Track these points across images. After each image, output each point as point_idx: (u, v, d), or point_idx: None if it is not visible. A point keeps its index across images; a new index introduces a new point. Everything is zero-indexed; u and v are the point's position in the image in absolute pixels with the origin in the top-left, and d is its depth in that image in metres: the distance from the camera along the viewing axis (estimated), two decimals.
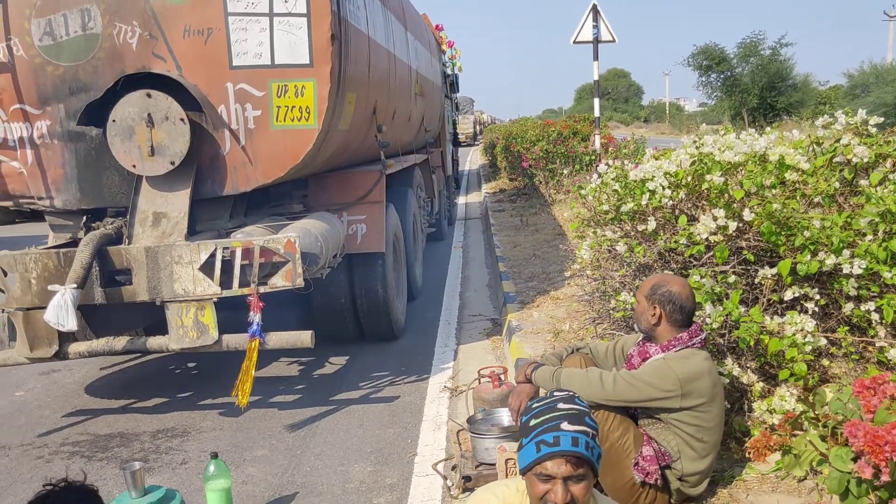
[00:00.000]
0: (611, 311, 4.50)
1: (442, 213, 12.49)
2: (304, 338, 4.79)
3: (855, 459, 1.49)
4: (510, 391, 3.99)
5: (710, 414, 3.08)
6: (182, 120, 4.82)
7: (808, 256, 3.49)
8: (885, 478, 1.42)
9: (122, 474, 4.13)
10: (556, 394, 2.00)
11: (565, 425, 1.89)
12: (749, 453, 1.79)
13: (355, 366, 6.31)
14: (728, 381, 3.53)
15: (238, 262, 4.65)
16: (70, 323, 4.40)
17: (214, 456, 3.72)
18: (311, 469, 4.42)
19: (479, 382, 4.70)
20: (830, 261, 3.44)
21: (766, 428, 2.06)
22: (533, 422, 1.94)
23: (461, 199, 19.12)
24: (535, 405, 2.01)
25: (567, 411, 1.94)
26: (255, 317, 4.66)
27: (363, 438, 4.81)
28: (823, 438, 1.72)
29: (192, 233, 5.09)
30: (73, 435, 5.13)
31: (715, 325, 3.58)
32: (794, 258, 3.55)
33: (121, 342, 4.90)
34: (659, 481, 3.08)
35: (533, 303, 6.95)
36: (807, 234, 3.55)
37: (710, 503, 3.22)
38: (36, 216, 13.24)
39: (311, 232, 5.07)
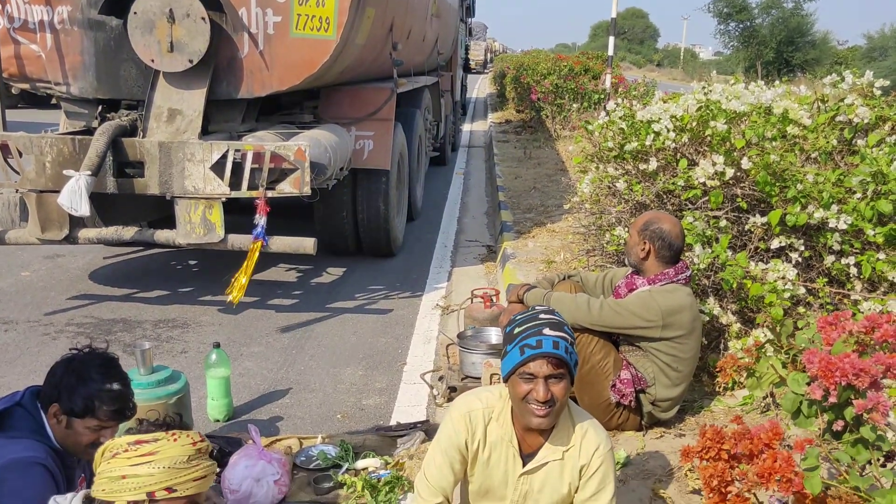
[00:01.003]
0: (604, 245, 4.67)
1: (447, 139, 12.53)
2: (307, 244, 4.95)
3: (809, 384, 1.67)
4: (500, 312, 4.19)
5: (687, 346, 3.28)
6: (203, 19, 4.86)
7: (798, 208, 3.64)
8: (832, 399, 1.61)
9: (130, 352, 4.37)
10: (537, 307, 2.18)
11: (547, 331, 2.07)
12: (716, 372, 1.98)
13: (352, 278, 6.51)
14: (708, 319, 3.73)
15: (248, 164, 4.77)
16: (83, 208, 4.55)
17: (217, 346, 3.93)
18: (305, 368, 4.65)
19: (472, 302, 4.89)
20: (819, 214, 3.60)
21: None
22: (517, 329, 2.12)
23: (466, 127, 19.08)
24: (518, 317, 2.18)
25: (548, 320, 2.12)
26: (261, 220, 4.81)
27: (356, 345, 5.03)
28: (784, 365, 1.91)
29: (205, 133, 5.19)
30: (78, 317, 5.35)
31: (702, 266, 3.75)
32: (785, 209, 3.70)
33: (129, 232, 5.06)
34: (633, 403, 3.31)
35: (529, 233, 7.11)
36: (800, 187, 3.69)
37: (678, 428, 3.46)
38: (39, 102, 13.15)
39: (321, 142, 5.18)
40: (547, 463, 2.16)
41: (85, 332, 5.06)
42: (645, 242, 3.33)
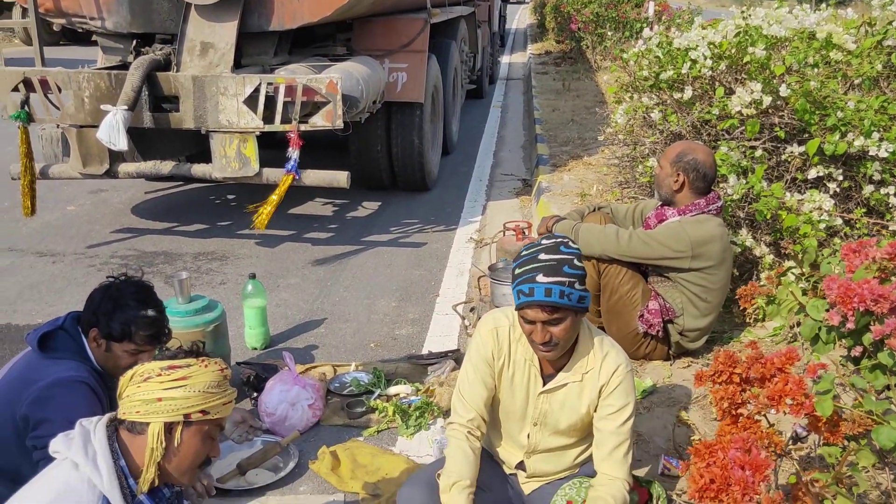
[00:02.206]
0: (637, 176, 4.62)
1: (484, 71, 12.34)
2: (340, 178, 4.99)
3: (828, 310, 1.66)
4: None
5: (717, 277, 3.26)
6: None
7: (838, 137, 3.54)
8: (850, 325, 1.60)
9: (170, 283, 4.50)
10: (542, 242, 2.12)
11: (540, 277, 2.04)
12: (736, 299, 1.98)
13: (386, 212, 6.55)
14: (741, 251, 3.70)
15: (281, 98, 4.78)
16: (121, 142, 4.63)
17: (252, 276, 4.02)
18: (340, 299, 4.74)
19: (504, 235, 4.90)
20: (859, 142, 3.50)
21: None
22: (517, 271, 2.11)
23: (505, 59, 18.74)
24: (524, 252, 2.15)
25: (545, 263, 2.06)
26: (294, 153, 4.84)
27: (389, 277, 5.10)
28: (805, 293, 1.90)
29: (238, 66, 5.20)
30: (122, 249, 5.50)
31: (736, 197, 3.70)
32: (824, 138, 3.61)
33: (167, 166, 5.15)
34: (660, 333, 3.32)
35: (565, 166, 7.05)
36: (840, 114, 3.59)
37: (705, 358, 3.48)
38: (80, 39, 13.24)
39: (353, 75, 5.16)
40: (566, 384, 2.20)
41: (128, 264, 5.21)
42: (678, 174, 3.28)
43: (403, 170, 6.79)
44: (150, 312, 2.40)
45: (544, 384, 2.23)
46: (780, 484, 2.12)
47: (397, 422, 3.35)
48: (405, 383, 3.64)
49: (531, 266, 2.08)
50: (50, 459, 1.91)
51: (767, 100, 3.66)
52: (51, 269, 5.12)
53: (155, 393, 1.85)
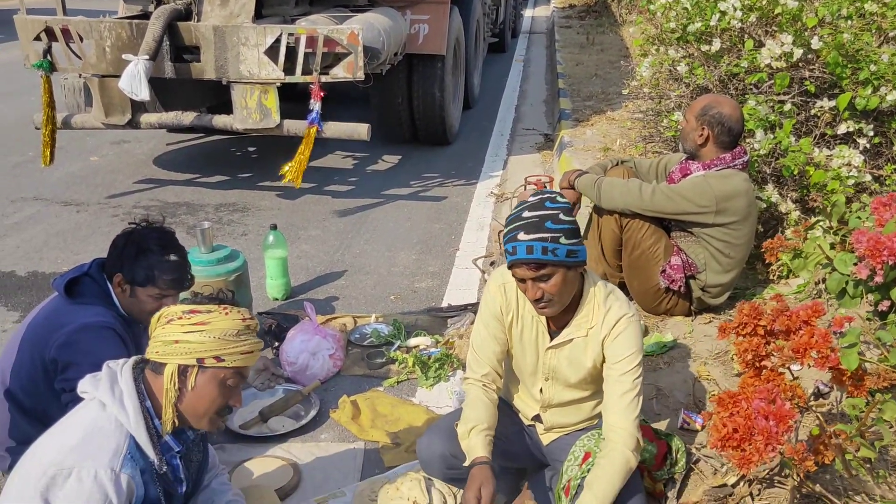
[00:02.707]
0: (662, 131, 4.55)
1: (506, 24, 12.15)
2: (361, 130, 4.96)
3: (856, 264, 1.64)
4: None
5: (741, 232, 3.22)
6: None
7: (870, 91, 3.46)
8: (878, 279, 1.58)
9: (192, 234, 4.52)
10: (529, 199, 2.08)
11: (521, 235, 2.01)
12: (762, 252, 1.96)
13: (406, 165, 6.53)
14: (766, 207, 3.65)
15: (302, 48, 4.73)
16: (143, 92, 4.62)
17: (274, 227, 4.04)
18: (360, 252, 4.75)
19: (525, 189, 4.87)
20: (892, 97, 3.42)
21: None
22: (505, 230, 2.09)
23: (528, 12, 18.42)
24: (511, 214, 2.11)
25: (527, 220, 2.03)
26: (315, 105, 4.81)
27: (410, 230, 5.10)
28: (833, 247, 1.87)
29: (259, 16, 5.15)
30: (144, 199, 5.53)
31: (763, 152, 3.63)
32: (856, 92, 3.52)
33: (188, 117, 5.14)
34: (682, 289, 3.30)
35: (588, 121, 6.96)
36: (873, 68, 3.49)
37: (727, 314, 3.45)
38: None
39: (375, 26, 5.09)
40: (572, 340, 2.20)
41: (151, 214, 5.25)
42: (703, 128, 3.22)
43: (424, 123, 6.74)
44: (173, 257, 2.42)
45: (551, 339, 2.22)
46: (801, 438, 2.13)
47: (417, 373, 3.37)
48: (425, 335, 3.66)
49: (514, 224, 2.05)
50: (77, 401, 1.95)
51: (798, 52, 3.57)
52: (75, 218, 5.17)
53: (174, 335, 1.87)
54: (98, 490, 1.74)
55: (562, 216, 2.05)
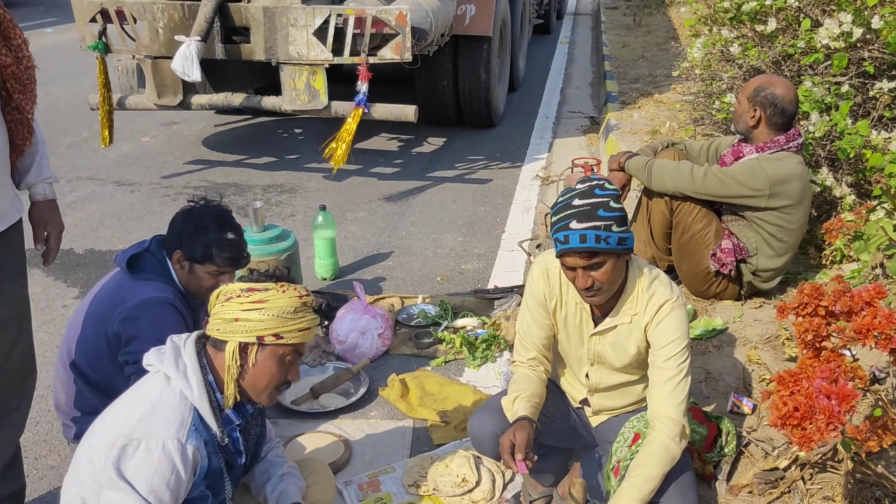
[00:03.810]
0: (713, 113, 4.48)
1: (552, 6, 12.05)
2: (408, 112, 4.98)
3: None
4: None
5: (794, 217, 3.18)
6: None
7: None
8: None
9: (243, 214, 4.60)
10: (577, 186, 2.07)
11: (573, 224, 2.00)
12: (821, 233, 1.93)
13: (452, 148, 6.54)
14: (820, 191, 3.58)
15: (350, 29, 4.76)
16: (194, 73, 4.70)
17: (323, 208, 4.09)
18: (407, 234, 4.79)
19: (572, 171, 4.84)
20: None
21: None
22: (553, 219, 2.07)
23: None
24: (559, 199, 2.10)
25: (579, 209, 2.01)
26: (363, 86, 4.84)
27: (456, 213, 5.12)
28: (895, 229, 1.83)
29: None
30: (194, 180, 5.64)
31: (818, 135, 3.57)
32: None
33: (238, 98, 5.22)
34: (732, 272, 3.27)
35: (635, 104, 6.89)
36: None
37: (778, 299, 3.41)
38: None
39: (422, 6, 5.09)
40: (616, 326, 2.19)
41: (209, 193, 5.34)
42: (755, 109, 3.17)
43: (469, 105, 6.73)
44: (230, 235, 2.47)
45: (595, 326, 2.22)
46: (857, 422, 2.11)
47: (464, 353, 3.40)
48: (472, 316, 3.68)
49: (565, 213, 2.04)
50: (140, 374, 2.01)
51: (858, 32, 3.49)
52: (129, 198, 5.29)
53: (233, 313, 1.91)
54: (166, 460, 1.80)
55: (612, 203, 2.04)
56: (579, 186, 2.10)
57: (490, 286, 4.06)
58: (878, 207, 2.57)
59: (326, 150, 4.97)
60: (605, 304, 2.20)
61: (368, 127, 6.47)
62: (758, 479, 2.31)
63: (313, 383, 3.15)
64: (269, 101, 5.15)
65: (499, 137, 6.83)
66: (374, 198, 5.37)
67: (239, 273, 2.47)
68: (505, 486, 2.63)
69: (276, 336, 1.92)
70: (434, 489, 2.59)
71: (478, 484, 2.59)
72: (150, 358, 1.98)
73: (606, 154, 5.79)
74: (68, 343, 2.58)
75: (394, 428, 2.96)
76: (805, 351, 1.55)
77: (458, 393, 3.11)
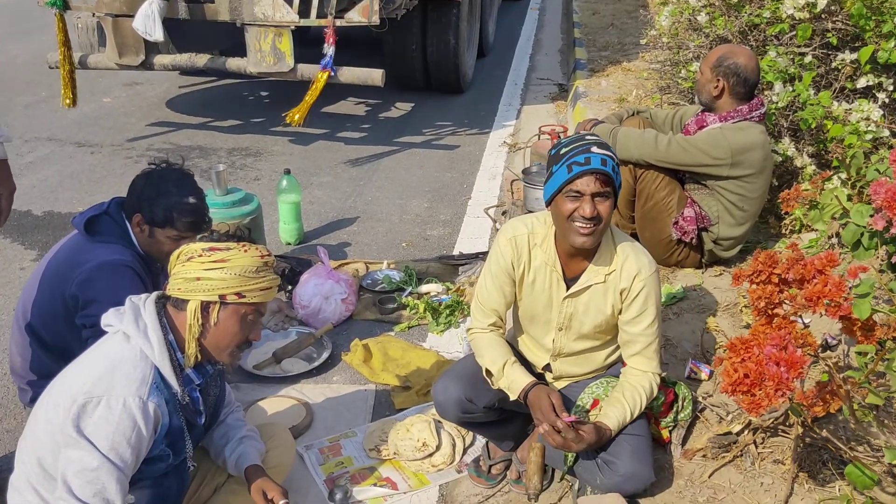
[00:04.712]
0: (679, 82, 4.50)
1: None
2: (375, 76, 4.92)
3: (872, 215, 1.64)
4: None
5: (755, 186, 3.21)
6: None
7: (893, 44, 3.40)
8: (894, 231, 1.59)
9: (207, 177, 4.54)
10: (581, 132, 2.15)
11: (595, 149, 2.07)
12: (779, 202, 1.96)
13: (419, 113, 6.49)
14: (782, 160, 3.62)
15: None
16: (157, 33, 4.59)
17: (287, 172, 4.05)
18: (373, 199, 4.76)
19: (539, 138, 4.84)
20: None
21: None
22: (564, 150, 2.11)
23: None
24: (563, 139, 2.17)
25: (595, 140, 2.12)
26: (329, 49, 4.77)
27: (422, 178, 5.10)
28: (850, 199, 1.87)
29: None
30: (157, 143, 5.54)
31: (780, 105, 3.59)
32: (878, 45, 3.46)
33: (202, 59, 5.11)
34: (694, 241, 3.31)
35: (603, 72, 6.88)
36: None
37: (738, 267, 3.46)
38: None
39: None
40: (590, 286, 2.22)
41: (171, 156, 5.24)
42: (718, 79, 3.18)
43: (438, 70, 6.67)
44: (191, 200, 2.44)
45: (568, 288, 2.24)
46: (809, 388, 2.16)
47: (428, 319, 3.41)
48: (436, 282, 3.69)
49: (581, 142, 2.10)
50: (98, 337, 1.99)
51: (822, 3, 3.50)
52: (90, 160, 5.18)
53: (195, 272, 1.90)
54: (127, 417, 1.79)
55: (613, 149, 2.14)
56: (583, 132, 2.15)
57: (455, 252, 4.06)
58: (835, 177, 2.61)
59: (289, 114, 4.90)
60: (576, 264, 2.22)
61: (336, 91, 6.38)
62: (711, 444, 2.37)
63: (276, 348, 3.15)
64: (233, 63, 5.05)
65: (467, 103, 6.79)
66: (340, 162, 5.32)
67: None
68: (465, 451, 2.66)
69: (238, 295, 1.92)
70: (395, 453, 2.61)
71: (438, 448, 2.61)
72: (108, 318, 1.96)
73: (574, 122, 5.79)
74: (24, 305, 2.54)
75: (355, 392, 2.97)
76: (758, 318, 1.58)
77: (421, 358, 3.13)
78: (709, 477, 2.28)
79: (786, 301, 1.51)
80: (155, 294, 2.02)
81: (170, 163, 2.54)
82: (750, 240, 3.56)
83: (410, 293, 3.62)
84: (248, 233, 2.10)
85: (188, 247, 1.97)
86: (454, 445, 2.65)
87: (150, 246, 2.47)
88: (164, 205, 2.40)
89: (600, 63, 7.18)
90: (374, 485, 2.51)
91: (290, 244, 4.11)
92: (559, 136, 4.58)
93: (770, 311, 1.53)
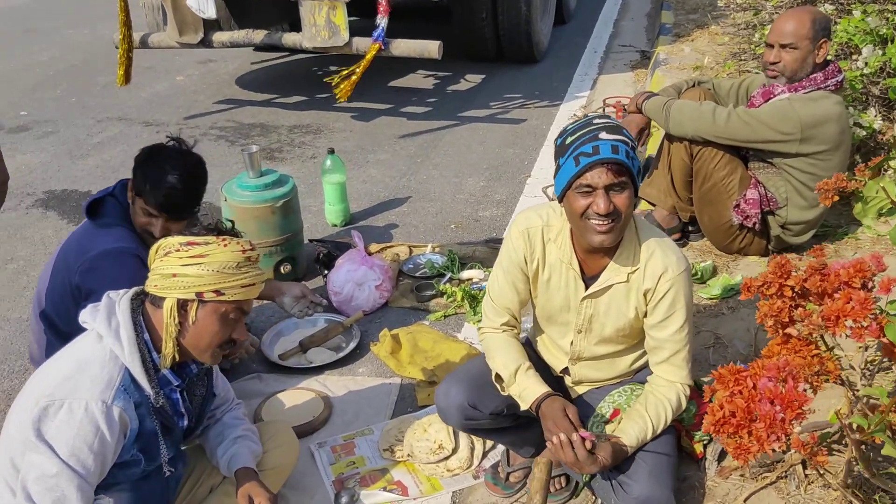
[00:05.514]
0: (753, 47, 4.08)
1: None
2: (431, 48, 4.72)
3: None
4: None
5: (830, 163, 2.84)
6: None
7: None
8: None
9: (267, 154, 4.49)
10: (590, 114, 1.89)
11: (603, 135, 1.79)
12: (817, 192, 1.67)
13: (489, 86, 6.24)
14: (866, 133, 3.21)
15: None
16: (209, 10, 4.55)
17: (331, 152, 3.92)
18: (427, 177, 4.58)
19: (604, 111, 4.54)
20: None
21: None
22: (569, 139, 1.85)
23: None
24: (570, 126, 1.91)
25: (604, 124, 1.83)
26: (382, 21, 4.60)
27: (482, 155, 4.87)
28: None
29: None
30: (221, 120, 5.54)
31: (868, 71, 3.18)
32: None
33: (259, 35, 5.04)
34: (757, 226, 2.97)
35: (688, 36, 6.40)
36: None
37: (811, 256, 3.09)
38: None
39: None
40: (611, 286, 1.97)
41: (225, 136, 5.25)
42: (822, 44, 2.79)
43: (509, 39, 6.39)
44: (170, 178, 2.32)
45: (587, 287, 2.00)
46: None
47: (465, 307, 3.23)
48: (479, 268, 3.49)
49: (589, 128, 1.83)
50: None
51: None
52: (153, 139, 5.08)
53: (171, 268, 1.80)
54: (89, 422, 1.71)
55: (627, 131, 1.87)
56: (592, 114, 1.91)
57: (505, 234, 3.84)
58: (887, 163, 2.22)
59: (335, 87, 4.76)
60: (596, 261, 1.99)
61: (404, 63, 6.21)
62: (754, 461, 2.09)
63: (303, 337, 3.04)
64: (289, 38, 4.96)
65: (540, 74, 6.48)
66: (400, 138, 5.16)
67: None
68: (485, 455, 2.48)
69: (217, 292, 1.80)
70: (409, 454, 2.46)
71: (454, 451, 2.44)
72: (84, 315, 1.88)
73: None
74: (39, 293, 2.53)
75: (379, 386, 2.83)
76: (773, 336, 1.31)
77: (452, 350, 2.94)
78: (745, 501, 2.02)
79: (799, 319, 1.23)
80: (134, 290, 1.92)
81: (182, 141, 2.46)
82: (828, 223, 3.18)
83: (450, 279, 3.43)
84: (232, 225, 1.97)
85: (166, 240, 1.86)
86: (472, 449, 2.47)
87: (136, 222, 2.39)
88: (144, 173, 2.34)
89: (686, 27, 6.70)
90: (384, 489, 2.37)
91: (336, 225, 4.00)
92: (624, 108, 4.26)
93: (780, 331, 1.26)
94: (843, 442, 2.04)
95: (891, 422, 1.14)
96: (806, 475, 2.03)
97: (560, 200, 1.93)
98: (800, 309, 1.24)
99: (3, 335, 3.19)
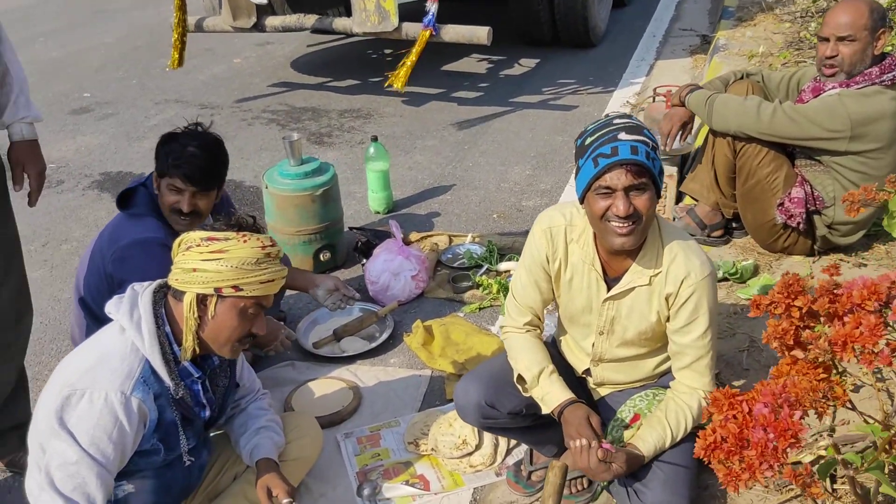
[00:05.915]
0: (808, 36, 3.90)
1: None
2: (480, 33, 4.67)
3: None
4: None
5: (882, 162, 2.71)
6: None
7: None
8: None
9: (317, 139, 4.53)
10: (610, 114, 1.83)
11: (623, 135, 1.75)
12: (842, 203, 1.58)
13: (542, 70, 6.16)
14: None
15: None
16: None
17: (374, 139, 3.93)
18: (473, 164, 4.56)
19: (654, 101, 4.42)
20: None
21: None
22: (588, 140, 1.81)
23: None
24: (590, 126, 1.86)
25: (624, 124, 1.79)
26: (432, 7, 4.58)
27: (530, 142, 4.82)
28: None
29: None
30: (273, 104, 5.61)
31: None
32: None
33: (310, 20, 5.08)
34: (802, 226, 2.86)
35: (751, 21, 6.18)
36: None
37: (859, 256, 2.97)
38: None
39: None
40: (633, 288, 1.93)
41: (277, 119, 5.32)
42: (882, 34, 2.66)
43: (565, 23, 6.28)
44: (190, 148, 2.37)
45: (609, 289, 1.96)
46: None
47: (500, 300, 3.21)
48: (516, 259, 3.46)
49: (608, 128, 1.80)
50: None
51: None
52: (208, 122, 5.32)
53: (192, 263, 1.83)
54: (108, 412, 1.76)
55: (648, 130, 1.83)
56: (612, 113, 1.88)
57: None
58: None
59: (391, 78, 4.77)
60: (619, 262, 1.95)
61: (458, 48, 6.16)
62: None
63: (338, 326, 3.07)
64: (339, 23, 4.98)
65: (596, 58, 6.35)
66: (449, 124, 5.14)
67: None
68: (508, 452, 2.47)
69: (236, 288, 1.83)
70: (433, 449, 2.47)
71: (478, 448, 2.44)
72: (109, 307, 1.94)
73: (708, 77, 5.25)
74: (77, 279, 2.61)
75: (409, 377, 2.84)
76: (783, 357, 1.27)
77: (483, 344, 2.94)
78: None
79: (807, 342, 1.19)
80: (158, 282, 1.97)
81: (199, 125, 2.51)
82: (879, 223, 3.04)
83: (487, 270, 3.42)
84: (254, 221, 1.99)
85: (188, 235, 1.90)
86: (496, 446, 2.47)
87: (162, 204, 2.44)
88: (166, 150, 2.40)
89: (750, 11, 6.46)
90: (406, 482, 2.39)
91: (378, 213, 4.02)
92: None
93: (786, 353, 1.21)
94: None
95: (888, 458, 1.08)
96: (834, 490, 1.97)
97: (581, 202, 1.89)
98: (807, 331, 1.19)
99: (53, 315, 3.32)
